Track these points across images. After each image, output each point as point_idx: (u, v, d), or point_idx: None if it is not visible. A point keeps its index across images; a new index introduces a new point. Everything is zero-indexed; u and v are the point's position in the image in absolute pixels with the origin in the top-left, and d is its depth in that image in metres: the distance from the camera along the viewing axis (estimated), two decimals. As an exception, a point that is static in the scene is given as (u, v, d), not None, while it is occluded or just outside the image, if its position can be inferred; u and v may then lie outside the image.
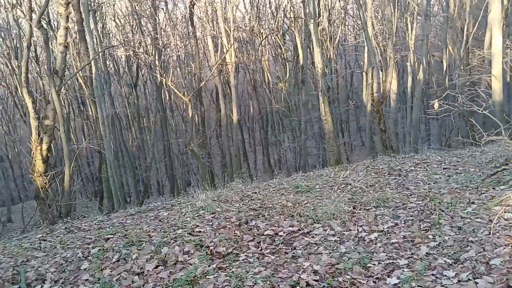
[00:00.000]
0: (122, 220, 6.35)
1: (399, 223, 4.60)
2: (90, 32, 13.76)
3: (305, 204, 5.99)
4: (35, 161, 9.34)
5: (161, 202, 8.61)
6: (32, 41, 9.85)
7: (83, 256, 4.65)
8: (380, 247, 4.10)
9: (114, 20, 25.48)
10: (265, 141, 33.55)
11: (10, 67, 22.72)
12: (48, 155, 9.39)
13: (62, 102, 24.62)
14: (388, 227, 4.52)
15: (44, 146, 9.23)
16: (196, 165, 25.36)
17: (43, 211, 9.39)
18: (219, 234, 4.92)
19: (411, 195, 5.65)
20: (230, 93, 22.01)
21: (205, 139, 24.31)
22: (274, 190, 7.94)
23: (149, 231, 5.19)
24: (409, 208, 5.03)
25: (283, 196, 6.88)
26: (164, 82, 19.61)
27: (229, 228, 5.06)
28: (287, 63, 25.58)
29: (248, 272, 3.91)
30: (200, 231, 5.03)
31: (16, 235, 9.48)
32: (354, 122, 34.89)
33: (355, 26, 29.45)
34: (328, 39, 23.24)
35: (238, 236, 4.83)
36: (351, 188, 6.67)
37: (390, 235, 4.33)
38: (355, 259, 3.90)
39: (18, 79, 16.49)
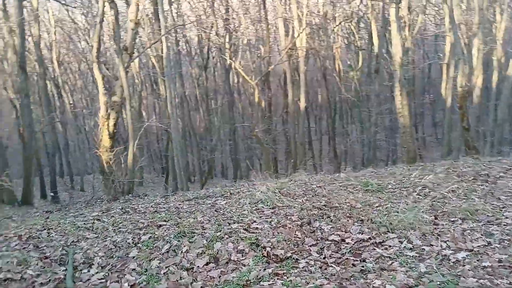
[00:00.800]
0: (179, 205, 6.04)
1: (492, 242, 3.84)
2: (163, 11, 13.67)
3: (376, 207, 5.33)
4: (102, 136, 9.36)
5: (221, 188, 8.27)
6: (105, 17, 9.85)
7: (132, 242, 4.35)
8: (469, 270, 3.39)
9: (189, 2, 25.51)
10: (332, 130, 32.54)
11: (90, 44, 23.48)
12: (115, 130, 9.37)
13: (136, 80, 25.25)
14: (478, 246, 3.76)
15: (111, 122, 9.20)
16: (260, 150, 25.06)
17: (106, 186, 9.42)
18: (278, 233, 4.41)
19: (504, 207, 4.80)
20: (299, 79, 21.34)
21: (270, 125, 23.87)
22: (340, 186, 7.31)
23: (203, 222, 4.80)
24: (504, 224, 4.22)
25: (351, 194, 6.24)
26: (232, 65, 19.33)
27: (290, 228, 4.53)
28: (360, 51, 24.36)
29: (308, 284, 3.38)
30: (257, 228, 4.55)
31: (81, 206, 9.61)
32: (429, 116, 32.91)
33: (436, 15, 27.47)
34: (407, 27, 21.75)
35: (299, 238, 4.30)
36: (429, 192, 5.89)
37: (481, 257, 3.58)
38: (438, 282, 3.24)
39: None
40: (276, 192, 6.26)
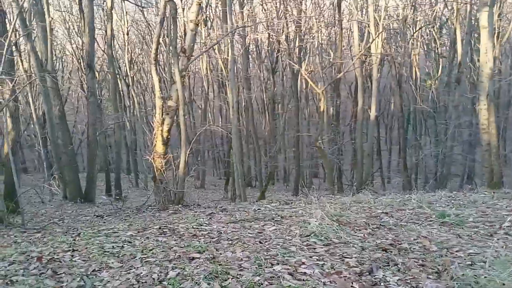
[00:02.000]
0: (222, 228, 5.36)
1: None
2: (231, 12, 13.18)
3: (456, 251, 4.31)
4: (156, 141, 8.94)
5: (275, 206, 7.52)
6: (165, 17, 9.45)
7: (158, 279, 3.68)
8: None
9: (262, 5, 25.01)
10: (404, 142, 30.63)
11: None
12: (169, 137, 8.92)
13: (204, 82, 25.22)
14: None
15: (165, 128, 8.76)
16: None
17: (157, 194, 8.99)
18: (330, 282, 3.57)
19: None
20: (371, 87, 20.09)
21: (337, 134, 22.73)
22: (411, 214, 6.30)
23: (242, 258, 4.05)
24: None
25: (424, 229, 5.23)
26: (300, 71, 18.52)
27: (345, 277, 3.66)
28: (441, 59, 22.51)
29: None
30: (304, 273, 3.72)
31: (131, 213, 9.28)
32: (513, 131, 30.06)
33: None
34: (495, 35, 19.72)
35: (356, 294, 3.43)
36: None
37: None
38: None
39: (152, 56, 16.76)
40: (334, 221, 5.40)
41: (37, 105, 16.20)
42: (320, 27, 22.93)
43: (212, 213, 6.64)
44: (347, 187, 23.91)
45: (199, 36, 20.43)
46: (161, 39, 19.85)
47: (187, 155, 8.33)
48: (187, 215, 6.84)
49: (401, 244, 4.60)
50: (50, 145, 14.28)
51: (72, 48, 23.97)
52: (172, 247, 4.45)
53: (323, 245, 4.49)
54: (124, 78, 23.91)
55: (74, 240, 4.83)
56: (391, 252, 4.32)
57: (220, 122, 28.15)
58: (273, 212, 6.36)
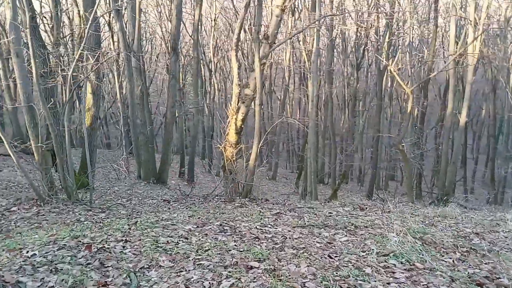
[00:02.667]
0: (288, 232, 4.82)
1: None
2: (320, 1, 12.49)
3: None
4: (229, 130, 8.58)
5: (348, 212, 6.83)
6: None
7: (209, 288, 3.25)
8: None
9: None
10: (493, 151, 28.16)
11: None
12: (242, 126, 8.52)
13: (286, 73, 24.67)
14: None
15: (240, 116, 8.35)
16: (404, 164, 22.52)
17: (225, 184, 8.65)
18: (412, 323, 2.89)
19: None
20: (463, 90, 18.36)
21: (420, 138, 21.18)
22: (506, 238, 5.37)
23: (306, 275, 3.47)
24: None
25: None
26: (388, 68, 17.31)
27: (432, 319, 2.97)
28: (547, 65, 20.08)
29: None
30: (381, 307, 3.08)
31: (197, 201, 9.03)
32: None
33: None
34: None
35: None
36: None
37: None
38: None
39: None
40: (417, 239, 4.65)
41: (123, 84, 16.59)
42: (413, 23, 21.41)
43: (279, 212, 6.11)
44: (426, 194, 22.32)
45: (284, 26, 19.89)
46: (247, 27, 19.70)
47: (259, 147, 7.86)
48: (253, 211, 6.38)
49: (500, 279, 3.78)
50: (130, 124, 14.58)
51: (162, 31, 24.51)
52: (230, 250, 3.99)
53: (404, 269, 3.78)
54: (208, 64, 24.05)
55: (130, 228, 4.55)
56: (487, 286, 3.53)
57: (298, 115, 27.52)
58: (345, 219, 5.70)
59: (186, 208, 7.63)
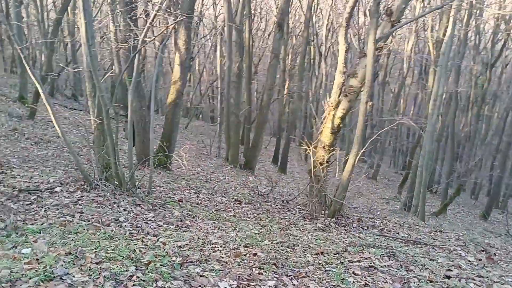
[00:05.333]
0: (367, 267, 2.91)
1: None
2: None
3: None
4: (323, 128, 6.69)
5: (472, 258, 4.67)
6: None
7: None
8: None
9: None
10: None
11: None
12: (341, 125, 6.57)
13: (405, 64, 21.63)
14: None
15: (339, 113, 6.41)
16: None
17: (309, 194, 6.83)
18: None
19: None
20: None
21: None
22: None
23: None
24: None
25: None
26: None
27: None
28: None
29: None
30: None
31: (274, 207, 7.34)
32: None
33: None
34: None
35: None
36: None
37: None
38: None
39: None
40: None
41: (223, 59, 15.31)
42: None
43: (371, 266, 4.14)
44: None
45: (410, 11, 16.98)
46: (366, 10, 17.17)
47: (358, 156, 5.86)
48: (337, 243, 4.53)
49: None
50: (224, 102, 13.29)
51: (274, 9, 22.92)
52: None
53: None
54: (319, 46, 21.93)
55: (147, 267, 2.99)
56: None
57: (412, 111, 24.25)
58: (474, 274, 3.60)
59: (255, 219, 6.00)
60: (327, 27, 20.01)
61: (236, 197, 7.40)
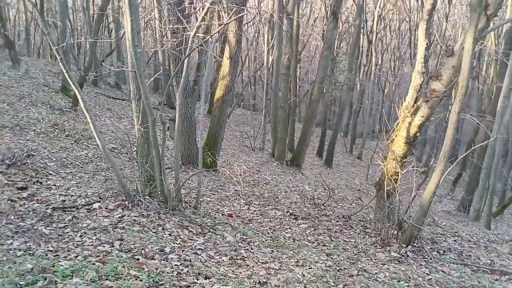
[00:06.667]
0: None
1: None
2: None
3: None
4: (396, 136, 5.70)
5: None
6: None
7: None
8: None
9: None
10: None
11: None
12: (417, 134, 5.55)
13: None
14: None
15: (417, 121, 5.39)
16: None
17: (377, 213, 5.88)
18: None
19: None
20: None
21: None
22: None
23: None
24: None
25: None
26: None
27: None
28: None
29: None
30: None
31: (333, 223, 6.46)
32: None
33: None
34: None
35: None
36: None
37: None
38: None
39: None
40: None
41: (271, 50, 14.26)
42: None
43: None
44: None
45: None
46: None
47: (444, 175, 4.85)
48: (420, 278, 3.62)
49: None
50: (271, 94, 12.36)
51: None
52: None
53: None
54: (368, 33, 20.48)
55: None
56: None
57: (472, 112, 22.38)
58: None
59: (317, 243, 5.14)
60: (378, 14, 18.57)
61: (290, 210, 6.54)
